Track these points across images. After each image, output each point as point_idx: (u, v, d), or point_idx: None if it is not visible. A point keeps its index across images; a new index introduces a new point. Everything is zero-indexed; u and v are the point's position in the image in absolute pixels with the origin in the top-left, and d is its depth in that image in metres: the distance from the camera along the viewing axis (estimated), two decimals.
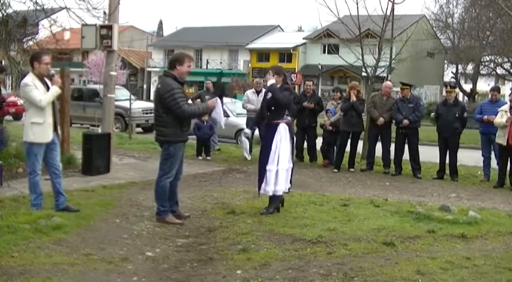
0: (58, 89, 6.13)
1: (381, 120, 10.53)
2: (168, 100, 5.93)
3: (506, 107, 9.37)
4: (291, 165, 6.78)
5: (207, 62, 50.55)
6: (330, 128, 11.10)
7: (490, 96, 10.56)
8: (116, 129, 16.95)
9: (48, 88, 6.18)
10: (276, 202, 6.67)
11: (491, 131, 9.67)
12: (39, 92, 5.98)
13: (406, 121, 10.26)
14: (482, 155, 10.24)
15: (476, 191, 9.24)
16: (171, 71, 6.10)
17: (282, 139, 6.52)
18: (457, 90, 34.75)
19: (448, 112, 10.11)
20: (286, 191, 6.79)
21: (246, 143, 11.68)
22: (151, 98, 50.11)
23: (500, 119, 9.28)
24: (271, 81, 6.58)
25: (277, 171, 6.51)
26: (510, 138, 9.18)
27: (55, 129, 6.29)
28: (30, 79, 6.04)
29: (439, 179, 10.19)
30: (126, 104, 17.16)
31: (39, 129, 6.03)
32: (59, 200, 6.33)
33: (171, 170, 6.19)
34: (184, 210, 6.60)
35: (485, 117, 9.77)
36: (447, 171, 10.29)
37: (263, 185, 6.57)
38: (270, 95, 6.62)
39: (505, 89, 30.37)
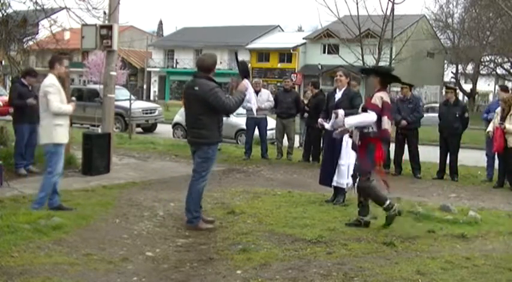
0: (72, 110, 6.40)
1: None
2: (211, 99, 5.81)
3: (499, 109, 9.40)
4: None
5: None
6: None
7: (498, 96, 10.57)
8: (116, 129, 16.94)
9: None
10: (342, 193, 7.33)
11: None
12: (60, 98, 6.17)
13: (404, 122, 10.27)
14: (486, 155, 10.24)
15: (476, 191, 9.24)
16: (206, 74, 6.06)
17: None
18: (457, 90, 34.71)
19: (448, 112, 10.14)
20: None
21: None
22: (151, 98, 50.17)
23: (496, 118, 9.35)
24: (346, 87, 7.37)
25: (349, 166, 7.15)
26: (495, 144, 9.19)
27: None
28: (54, 80, 6.19)
29: (439, 179, 10.20)
30: (126, 104, 17.18)
31: (62, 130, 6.21)
32: (53, 198, 6.38)
33: (207, 173, 6.14)
34: (183, 211, 6.58)
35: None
36: (447, 171, 10.30)
37: (335, 177, 7.26)
38: (338, 97, 7.34)
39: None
